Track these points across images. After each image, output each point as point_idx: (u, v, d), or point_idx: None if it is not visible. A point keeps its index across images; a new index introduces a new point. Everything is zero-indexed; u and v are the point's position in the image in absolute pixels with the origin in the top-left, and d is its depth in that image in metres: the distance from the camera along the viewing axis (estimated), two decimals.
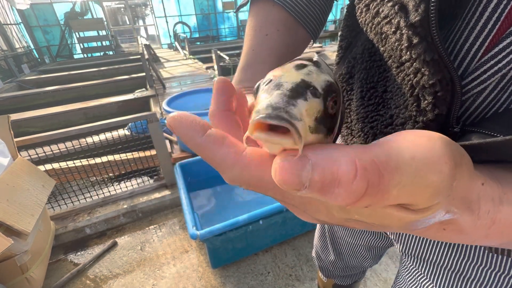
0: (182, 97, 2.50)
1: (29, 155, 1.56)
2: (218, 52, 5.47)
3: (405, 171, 0.12)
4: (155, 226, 1.76)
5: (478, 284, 0.38)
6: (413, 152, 0.13)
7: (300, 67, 0.16)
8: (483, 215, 0.16)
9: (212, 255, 1.35)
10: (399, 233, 0.46)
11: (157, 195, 1.87)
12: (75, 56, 10.33)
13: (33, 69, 7.91)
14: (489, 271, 0.36)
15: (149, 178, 2.04)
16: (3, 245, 0.99)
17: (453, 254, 0.39)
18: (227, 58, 6.17)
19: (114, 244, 1.63)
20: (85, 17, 10.22)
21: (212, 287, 1.33)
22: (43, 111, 4.20)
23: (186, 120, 0.17)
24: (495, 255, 0.34)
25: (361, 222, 0.17)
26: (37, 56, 9.01)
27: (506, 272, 0.35)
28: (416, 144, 0.13)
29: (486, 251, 0.35)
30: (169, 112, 2.07)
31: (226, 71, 5.76)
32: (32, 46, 9.18)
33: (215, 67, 5.44)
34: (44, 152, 1.59)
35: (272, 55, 0.39)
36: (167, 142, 2.31)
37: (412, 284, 0.49)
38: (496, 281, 0.36)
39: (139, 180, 2.03)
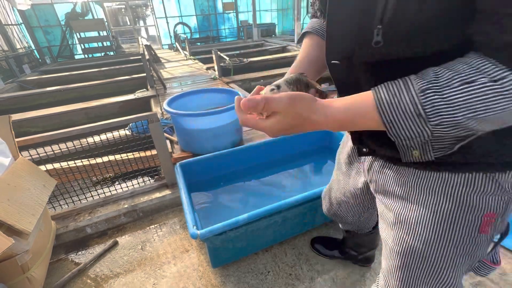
0: (183, 97, 2.50)
1: (30, 155, 1.57)
2: (219, 52, 5.48)
3: (271, 101, 0.43)
4: (155, 225, 1.77)
5: (414, 198, 0.56)
6: (278, 96, 0.43)
7: (272, 89, 0.50)
8: (323, 117, 0.43)
9: (213, 254, 1.35)
10: (373, 175, 0.66)
11: (157, 194, 1.88)
12: (76, 57, 10.35)
13: (34, 70, 7.93)
14: (419, 186, 0.54)
15: (149, 178, 2.05)
16: (4, 245, 0.99)
17: (399, 186, 0.58)
18: (227, 58, 6.18)
19: (115, 244, 1.64)
20: (85, 18, 10.23)
21: (212, 286, 1.34)
22: (44, 111, 4.21)
23: (242, 103, 0.44)
24: (424, 173, 0.53)
25: (282, 130, 0.45)
26: (38, 56, 9.03)
27: (430, 183, 0.52)
28: (280, 95, 0.44)
29: (419, 178, 0.54)
30: (170, 112, 2.08)
31: (227, 71, 5.77)
32: (33, 47, 9.21)
33: (216, 67, 5.45)
34: (45, 152, 1.60)
35: (309, 61, 0.67)
36: (168, 142, 2.32)
37: (382, 225, 0.68)
38: (423, 192, 0.54)
39: (140, 180, 2.04)
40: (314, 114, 0.43)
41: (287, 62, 7.03)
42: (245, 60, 6.56)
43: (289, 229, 1.51)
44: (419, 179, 0.54)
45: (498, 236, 0.55)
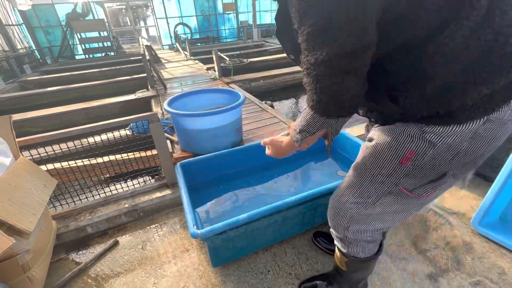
0: (183, 98, 2.51)
1: (31, 155, 1.58)
2: (219, 53, 5.49)
3: (266, 142, 0.96)
4: (156, 225, 1.77)
5: (375, 137, 0.79)
6: (268, 140, 0.95)
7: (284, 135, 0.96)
8: (283, 145, 0.90)
9: (213, 254, 1.35)
10: (368, 134, 0.89)
11: (158, 194, 1.88)
12: (77, 57, 10.36)
13: (35, 70, 7.94)
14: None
15: (150, 177, 2.05)
16: (5, 244, 0.99)
17: (372, 133, 0.82)
18: (227, 59, 6.19)
19: (116, 243, 1.64)
20: (86, 18, 10.24)
21: (212, 285, 1.34)
22: (45, 111, 4.22)
23: (262, 143, 0.99)
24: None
25: (275, 154, 0.95)
26: (38, 56, 9.04)
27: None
28: (269, 139, 0.96)
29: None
30: (170, 113, 2.09)
31: (227, 71, 5.77)
32: (33, 47, 9.21)
33: (216, 68, 5.45)
34: (46, 152, 1.61)
35: None
36: (168, 142, 2.32)
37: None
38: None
39: (141, 180, 2.04)
40: (282, 144, 0.90)
41: (287, 63, 7.03)
42: (245, 60, 6.57)
43: (289, 229, 1.51)
44: (382, 128, 0.77)
45: (434, 179, 0.71)
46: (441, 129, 0.62)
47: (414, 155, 0.67)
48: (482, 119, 0.59)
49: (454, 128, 0.61)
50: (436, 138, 0.63)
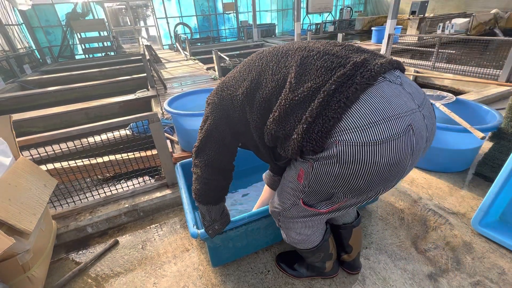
0: (183, 98, 2.51)
1: (31, 155, 1.58)
2: (219, 53, 5.49)
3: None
4: (156, 225, 1.77)
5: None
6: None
7: None
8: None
9: (213, 253, 1.35)
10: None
11: (158, 194, 1.88)
12: (77, 57, 10.36)
13: (35, 70, 7.94)
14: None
15: (150, 177, 2.05)
16: (5, 244, 0.99)
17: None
18: (227, 59, 6.18)
19: (116, 243, 1.64)
20: (86, 18, 10.24)
21: (212, 285, 1.34)
22: (45, 111, 4.22)
23: None
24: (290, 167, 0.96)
25: None
26: (38, 56, 9.04)
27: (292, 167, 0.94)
28: None
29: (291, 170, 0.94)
30: (170, 112, 2.09)
31: (227, 71, 5.77)
32: (33, 47, 9.22)
33: (216, 67, 5.45)
34: (46, 152, 1.60)
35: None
36: (168, 142, 2.32)
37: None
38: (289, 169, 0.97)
39: (141, 180, 2.04)
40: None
41: None
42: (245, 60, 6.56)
43: None
44: (291, 162, 0.94)
45: (324, 204, 0.93)
46: (312, 155, 0.78)
47: (304, 173, 0.84)
48: (327, 147, 0.74)
49: (319, 155, 0.76)
50: (312, 161, 0.79)
